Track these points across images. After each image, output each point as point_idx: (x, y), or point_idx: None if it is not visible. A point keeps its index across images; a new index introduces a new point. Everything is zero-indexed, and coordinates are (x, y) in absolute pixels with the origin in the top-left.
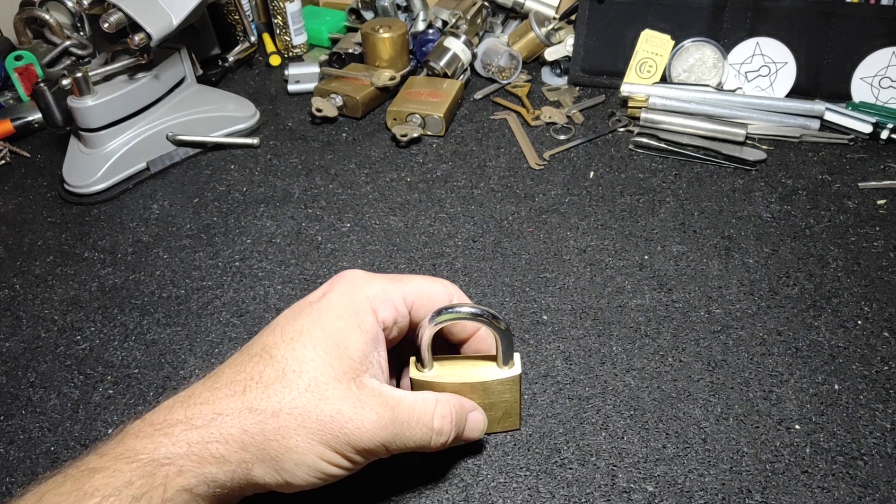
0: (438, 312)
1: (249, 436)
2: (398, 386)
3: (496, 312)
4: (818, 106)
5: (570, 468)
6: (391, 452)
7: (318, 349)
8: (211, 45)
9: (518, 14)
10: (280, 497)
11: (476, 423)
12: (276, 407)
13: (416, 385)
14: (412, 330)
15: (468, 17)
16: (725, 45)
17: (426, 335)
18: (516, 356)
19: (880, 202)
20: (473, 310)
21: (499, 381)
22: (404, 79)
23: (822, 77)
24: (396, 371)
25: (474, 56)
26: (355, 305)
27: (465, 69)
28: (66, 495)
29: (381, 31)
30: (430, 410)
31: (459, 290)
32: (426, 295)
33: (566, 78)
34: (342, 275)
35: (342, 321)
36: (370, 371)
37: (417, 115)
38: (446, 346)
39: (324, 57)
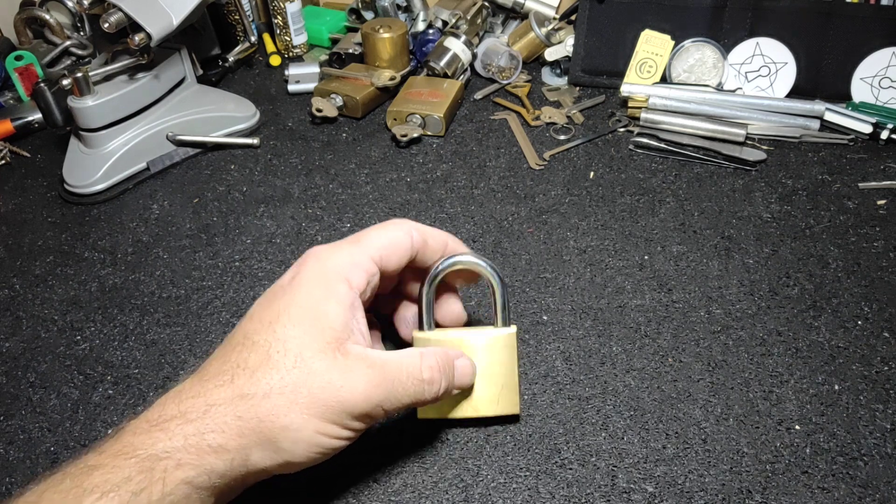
0: (433, 277)
1: (244, 421)
2: None
3: (491, 263)
4: (818, 106)
5: (570, 468)
6: (388, 413)
7: (298, 327)
8: (211, 45)
9: (518, 14)
10: (280, 498)
11: (465, 368)
12: (265, 389)
13: (416, 343)
14: (386, 280)
15: (468, 17)
16: (725, 45)
17: (425, 297)
18: (512, 327)
19: (880, 202)
20: (474, 259)
21: (495, 338)
22: (404, 79)
23: (822, 77)
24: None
25: (474, 56)
26: (327, 278)
27: (465, 69)
28: (66, 493)
29: (381, 31)
30: (417, 364)
31: (415, 223)
32: (390, 246)
33: (566, 78)
34: (306, 254)
35: (318, 293)
36: (352, 338)
37: (417, 115)
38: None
39: (324, 57)
